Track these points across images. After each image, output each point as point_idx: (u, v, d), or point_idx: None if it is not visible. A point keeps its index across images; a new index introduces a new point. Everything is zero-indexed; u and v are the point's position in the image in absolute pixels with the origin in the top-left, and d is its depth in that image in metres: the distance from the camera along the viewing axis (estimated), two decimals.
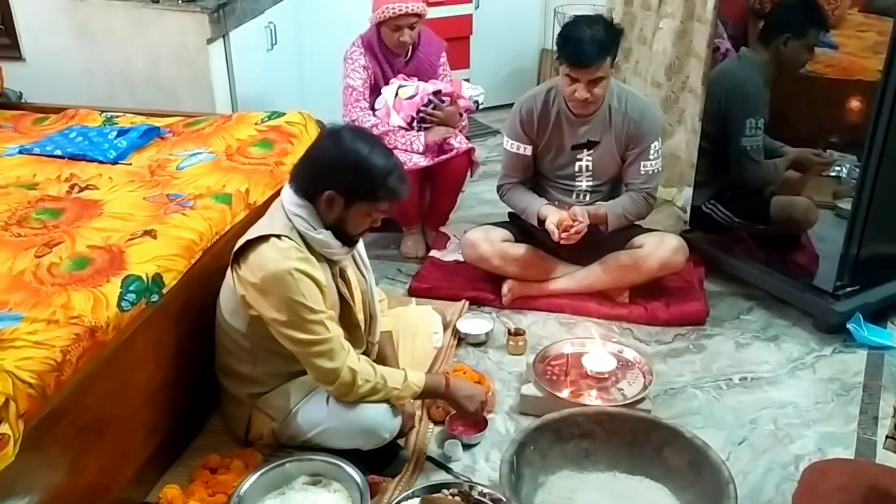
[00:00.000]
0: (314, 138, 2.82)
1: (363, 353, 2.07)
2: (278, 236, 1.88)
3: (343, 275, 2.05)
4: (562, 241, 2.64)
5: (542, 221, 2.71)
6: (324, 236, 1.92)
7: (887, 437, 1.69)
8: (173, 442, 2.09)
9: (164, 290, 1.95)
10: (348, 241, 1.98)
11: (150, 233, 2.08)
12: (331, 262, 1.98)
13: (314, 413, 2.00)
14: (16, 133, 2.85)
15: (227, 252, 2.19)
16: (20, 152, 2.66)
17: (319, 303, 1.88)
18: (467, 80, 3.62)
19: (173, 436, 2.08)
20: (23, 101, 3.22)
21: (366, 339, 2.12)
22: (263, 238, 1.88)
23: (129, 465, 1.89)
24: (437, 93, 3.09)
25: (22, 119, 2.96)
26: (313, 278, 1.87)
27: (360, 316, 2.10)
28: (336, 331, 1.91)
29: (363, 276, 2.16)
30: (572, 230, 2.61)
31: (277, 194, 2.45)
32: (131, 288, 1.86)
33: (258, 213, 2.37)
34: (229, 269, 1.99)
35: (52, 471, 1.63)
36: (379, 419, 1.98)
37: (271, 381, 2.06)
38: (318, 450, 2.03)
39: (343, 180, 1.86)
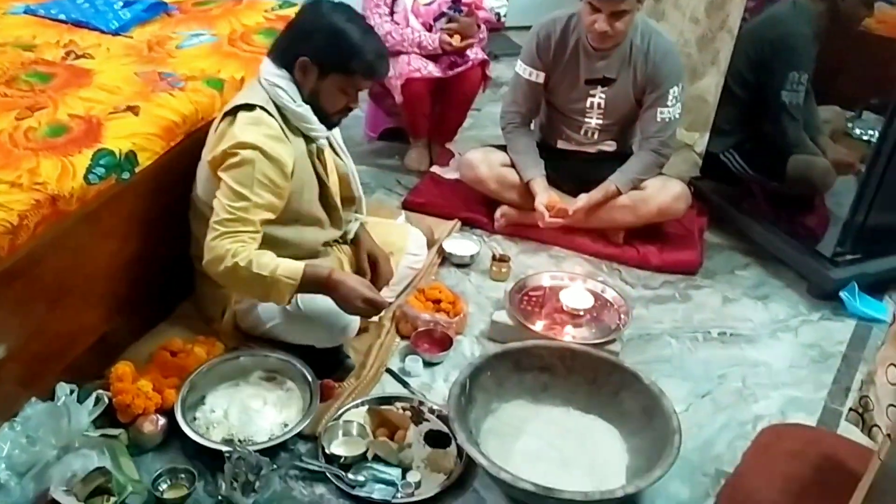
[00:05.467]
0: None
1: (341, 237, 2.16)
2: (254, 107, 1.85)
3: (320, 156, 2.05)
4: (543, 225, 2.65)
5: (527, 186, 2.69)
6: (303, 110, 1.90)
7: (850, 409, 1.64)
8: (138, 321, 2.10)
9: (137, 169, 1.92)
10: (327, 122, 1.96)
11: (132, 109, 2.04)
12: (307, 140, 1.96)
13: (270, 306, 1.98)
14: None
15: None
16: (25, 12, 2.63)
17: (268, 187, 1.82)
18: None
19: (139, 315, 2.09)
20: None
21: (345, 221, 2.15)
22: (242, 107, 1.86)
23: (86, 337, 1.90)
24: (456, 1, 2.97)
25: None
26: (276, 160, 1.82)
27: (338, 199, 2.11)
28: (256, 226, 1.81)
29: (341, 160, 2.16)
30: (558, 218, 2.62)
31: None
32: (101, 162, 1.84)
33: None
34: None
35: (1, 330, 1.64)
36: (331, 320, 1.95)
37: None
38: (276, 344, 2.04)
39: (316, 46, 1.85)
